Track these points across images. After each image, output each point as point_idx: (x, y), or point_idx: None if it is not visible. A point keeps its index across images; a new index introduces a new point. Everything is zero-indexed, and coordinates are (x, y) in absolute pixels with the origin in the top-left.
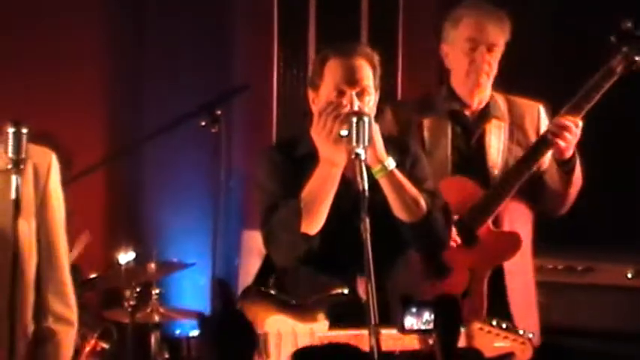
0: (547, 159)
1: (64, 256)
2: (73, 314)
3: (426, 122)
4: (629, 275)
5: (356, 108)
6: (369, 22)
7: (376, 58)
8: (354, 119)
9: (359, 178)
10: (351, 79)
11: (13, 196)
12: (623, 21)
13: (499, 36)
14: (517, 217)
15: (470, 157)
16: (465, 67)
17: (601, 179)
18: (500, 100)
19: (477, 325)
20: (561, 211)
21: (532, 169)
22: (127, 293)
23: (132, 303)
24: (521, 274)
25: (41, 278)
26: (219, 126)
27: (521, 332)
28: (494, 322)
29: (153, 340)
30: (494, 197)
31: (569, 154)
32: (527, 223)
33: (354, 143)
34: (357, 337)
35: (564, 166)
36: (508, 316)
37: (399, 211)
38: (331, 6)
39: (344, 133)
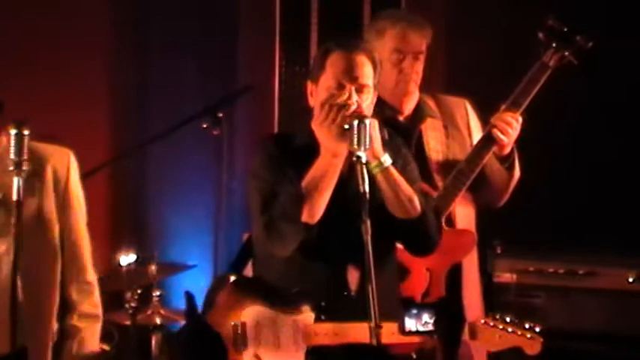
0: None
1: (88, 255)
2: (98, 310)
3: None
4: (630, 279)
5: (355, 104)
6: (371, 22)
7: (377, 57)
8: (356, 122)
9: (360, 181)
10: (352, 74)
11: (14, 197)
12: (549, 17)
13: (423, 43)
14: (462, 202)
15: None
16: (393, 77)
17: (603, 183)
18: (429, 100)
19: (480, 320)
20: (500, 202)
21: (480, 167)
22: (128, 295)
23: (133, 305)
24: (471, 258)
25: (65, 278)
26: (221, 128)
27: (527, 326)
28: (498, 316)
29: (154, 341)
30: (445, 198)
31: (508, 150)
32: (471, 208)
33: (355, 146)
34: (343, 328)
35: (505, 162)
36: (459, 299)
37: (394, 208)
38: (333, 6)
39: (347, 127)
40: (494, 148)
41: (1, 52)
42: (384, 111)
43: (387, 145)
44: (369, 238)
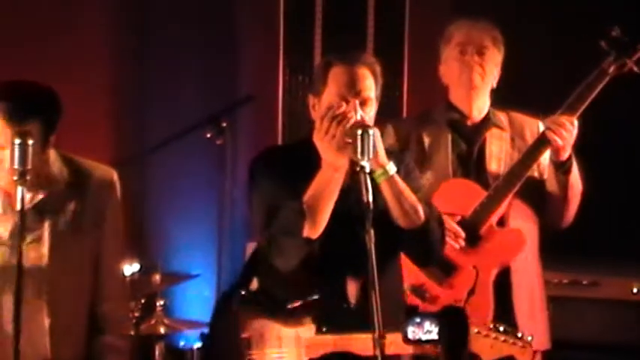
0: (547, 168)
1: (120, 275)
2: (125, 343)
3: (426, 133)
4: (635, 290)
5: (358, 117)
6: (375, 33)
7: (379, 69)
8: (359, 132)
9: (364, 191)
10: (354, 87)
11: (18, 207)
12: (612, 27)
13: (488, 40)
14: (523, 217)
15: (471, 165)
16: (457, 70)
17: (608, 193)
18: (501, 115)
19: (474, 329)
20: (564, 221)
21: (530, 169)
22: (132, 305)
23: (136, 314)
24: (526, 273)
25: (96, 296)
26: (224, 137)
27: (519, 335)
28: (491, 325)
29: (157, 351)
30: (495, 197)
31: (565, 154)
32: (533, 224)
33: (359, 156)
34: (344, 340)
35: (561, 167)
36: (511, 314)
37: (397, 217)
38: (337, 15)
39: (350, 139)
40: (552, 154)
41: (2, 58)
42: (451, 114)
43: (389, 154)
44: (372, 248)
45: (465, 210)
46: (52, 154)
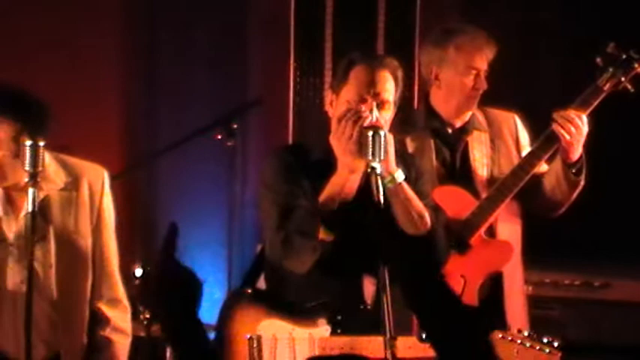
0: (543, 167)
1: (117, 271)
2: (128, 325)
3: (409, 139)
4: None
5: (374, 119)
6: (385, 33)
7: (401, 74)
8: (370, 133)
9: (375, 191)
10: (373, 88)
11: (29, 208)
12: (608, 44)
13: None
14: (508, 217)
15: (455, 170)
16: (466, 93)
17: (619, 195)
18: (478, 114)
19: (498, 334)
20: (558, 212)
21: (531, 172)
22: (142, 307)
23: (147, 316)
24: (517, 278)
25: (95, 293)
26: (234, 139)
27: (545, 341)
28: (515, 331)
29: (168, 353)
30: (488, 206)
31: (575, 154)
32: (518, 224)
33: (370, 157)
34: (360, 342)
35: (572, 167)
36: (503, 319)
37: (404, 223)
38: (348, 16)
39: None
40: (561, 152)
41: (13, 64)
42: (433, 121)
43: (400, 158)
44: (383, 249)
45: (457, 218)
46: (47, 156)
